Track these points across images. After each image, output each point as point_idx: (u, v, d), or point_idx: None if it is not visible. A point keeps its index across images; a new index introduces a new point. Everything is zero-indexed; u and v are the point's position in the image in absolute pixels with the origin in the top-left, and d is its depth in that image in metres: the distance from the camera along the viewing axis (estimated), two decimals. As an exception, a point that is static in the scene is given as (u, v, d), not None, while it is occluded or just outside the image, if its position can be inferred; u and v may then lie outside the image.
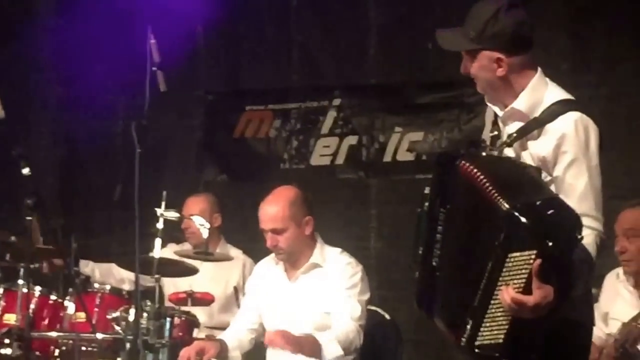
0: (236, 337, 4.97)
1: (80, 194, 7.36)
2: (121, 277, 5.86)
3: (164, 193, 5.00)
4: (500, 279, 3.06)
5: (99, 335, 4.95)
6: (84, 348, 5.02)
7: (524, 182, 3.22)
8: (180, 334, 5.00)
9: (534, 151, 3.35)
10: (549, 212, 3.03)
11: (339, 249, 4.96)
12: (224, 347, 4.85)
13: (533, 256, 2.98)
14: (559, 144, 3.28)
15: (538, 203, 3.06)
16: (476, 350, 3.15)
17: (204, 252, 5.25)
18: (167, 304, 5.26)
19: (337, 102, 7.09)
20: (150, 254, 4.94)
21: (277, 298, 4.95)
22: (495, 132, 3.48)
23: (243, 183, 7.20)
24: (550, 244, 2.98)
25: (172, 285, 5.63)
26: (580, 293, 3.18)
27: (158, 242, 4.96)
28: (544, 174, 3.30)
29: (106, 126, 7.29)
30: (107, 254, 6.10)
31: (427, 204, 3.38)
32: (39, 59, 7.32)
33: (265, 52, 7.24)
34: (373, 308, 5.08)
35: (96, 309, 5.13)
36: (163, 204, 4.99)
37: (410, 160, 6.80)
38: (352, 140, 7.04)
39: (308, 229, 4.88)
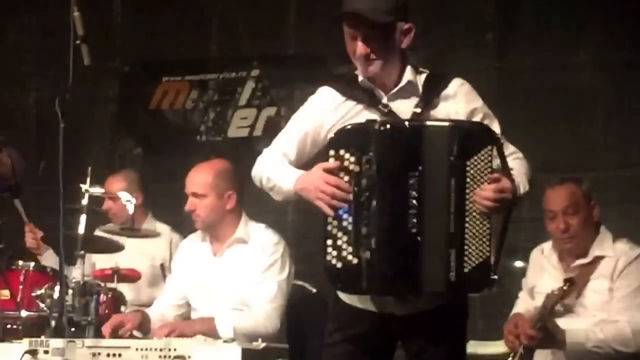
0: (160, 313, 5.11)
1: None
2: None
3: (89, 169, 5.14)
4: (468, 190, 3.33)
5: (24, 313, 5.06)
6: (8, 326, 5.10)
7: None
8: (107, 311, 5.11)
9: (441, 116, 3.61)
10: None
11: (264, 225, 5.13)
12: (146, 317, 4.99)
13: (489, 152, 3.35)
14: (467, 105, 3.60)
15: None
16: (467, 281, 3.31)
17: (130, 228, 5.40)
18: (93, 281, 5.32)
19: (255, 72, 7.20)
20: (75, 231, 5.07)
21: (202, 273, 5.11)
22: (386, 110, 3.61)
23: (158, 156, 7.29)
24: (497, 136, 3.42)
25: (98, 262, 5.75)
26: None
27: (83, 218, 5.08)
28: None
29: (18, 98, 7.33)
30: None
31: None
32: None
33: (182, 22, 7.30)
34: (299, 283, 5.18)
35: (20, 286, 5.17)
36: (88, 180, 5.13)
37: (329, 132, 6.98)
38: (270, 111, 7.18)
39: (230, 203, 5.07)
